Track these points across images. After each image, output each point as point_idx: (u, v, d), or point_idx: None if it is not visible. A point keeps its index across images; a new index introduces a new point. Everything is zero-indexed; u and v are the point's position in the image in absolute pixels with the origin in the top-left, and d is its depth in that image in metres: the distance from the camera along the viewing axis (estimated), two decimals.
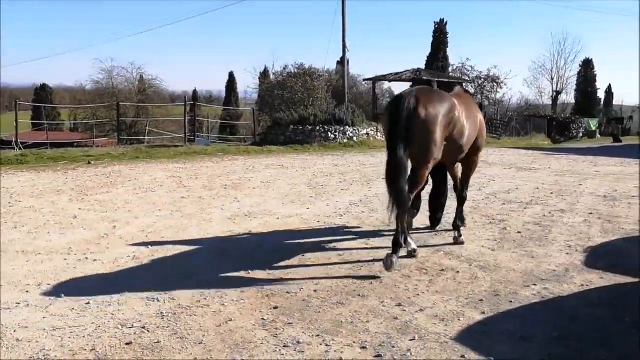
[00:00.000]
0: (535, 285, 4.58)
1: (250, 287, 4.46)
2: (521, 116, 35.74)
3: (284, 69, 27.36)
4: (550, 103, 49.15)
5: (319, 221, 7.03)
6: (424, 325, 3.74)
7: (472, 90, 34.10)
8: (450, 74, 34.07)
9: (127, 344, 3.40)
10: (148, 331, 3.59)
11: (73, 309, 3.96)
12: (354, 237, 6.22)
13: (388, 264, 4.71)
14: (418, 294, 4.35)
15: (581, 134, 33.78)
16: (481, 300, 4.22)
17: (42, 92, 57.78)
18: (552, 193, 9.52)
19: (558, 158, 17.50)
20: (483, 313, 3.96)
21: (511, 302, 4.19)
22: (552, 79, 50.44)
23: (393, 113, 4.89)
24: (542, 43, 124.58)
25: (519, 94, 68.07)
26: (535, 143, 26.86)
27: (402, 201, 4.79)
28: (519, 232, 6.47)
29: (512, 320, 3.82)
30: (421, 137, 4.86)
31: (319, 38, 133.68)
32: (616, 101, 61.18)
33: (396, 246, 4.92)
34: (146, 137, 25.84)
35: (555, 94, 49.84)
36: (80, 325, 3.66)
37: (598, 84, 54.50)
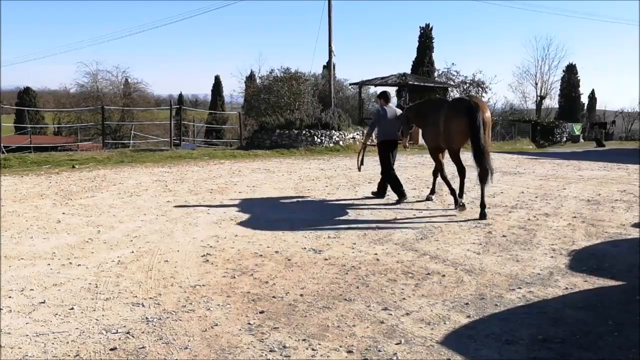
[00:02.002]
0: (520, 288, 4.62)
1: (236, 292, 4.45)
2: (506, 121, 35.98)
3: (270, 73, 27.31)
4: (535, 108, 49.60)
5: (305, 225, 7.02)
6: (410, 329, 3.75)
7: (457, 95, 34.43)
8: (436, 78, 34.27)
9: (111, 349, 3.37)
10: (133, 336, 3.56)
11: (57, 314, 3.91)
12: (339, 240, 6.22)
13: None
14: (404, 298, 4.36)
15: (565, 139, 34.12)
16: (467, 303, 4.24)
17: (26, 96, 57.02)
18: (536, 197, 9.61)
19: (542, 162, 17.66)
20: (469, 316, 3.98)
21: (496, 305, 4.22)
22: (536, 84, 50.92)
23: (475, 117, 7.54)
24: (526, 48, 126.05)
25: (504, 98, 68.65)
26: (520, 147, 27.10)
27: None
28: (504, 236, 6.52)
29: (498, 324, 3.85)
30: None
31: (305, 42, 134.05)
32: (599, 106, 61.98)
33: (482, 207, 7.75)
34: (131, 141, 25.63)
35: (539, 98, 50.31)
36: (64, 331, 3.62)
37: (581, 89, 55.24)
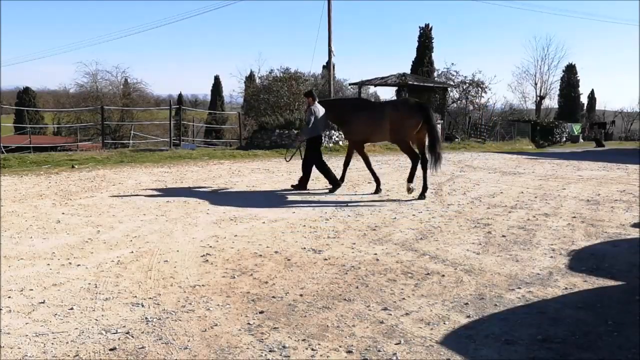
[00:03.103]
0: (519, 288, 4.62)
1: (236, 292, 4.45)
2: (505, 121, 35.97)
3: (270, 73, 27.35)
4: (534, 108, 49.62)
5: (304, 225, 7.02)
6: (409, 329, 3.75)
7: (457, 95, 34.42)
8: (436, 78, 34.28)
9: (111, 349, 3.37)
10: (132, 337, 3.56)
11: (56, 314, 3.91)
12: (339, 240, 6.22)
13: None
14: (404, 298, 4.36)
15: (564, 139, 34.10)
16: (466, 303, 4.24)
17: (25, 96, 57.05)
18: (536, 197, 9.61)
19: (542, 162, 17.67)
20: (468, 316, 3.98)
21: (496, 305, 4.22)
22: (536, 84, 50.94)
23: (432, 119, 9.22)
24: (526, 48, 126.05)
25: (503, 98, 68.83)
26: (519, 147, 27.09)
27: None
28: (503, 236, 6.53)
29: (497, 324, 3.85)
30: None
31: (305, 42, 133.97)
32: (599, 106, 62.10)
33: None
34: (131, 141, 25.63)
35: (539, 98, 50.31)
36: (63, 331, 3.62)
37: (581, 89, 55.30)
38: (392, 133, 9.47)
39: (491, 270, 5.12)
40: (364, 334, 3.65)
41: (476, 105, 35.21)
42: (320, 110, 9.91)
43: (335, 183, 10.00)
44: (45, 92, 59.92)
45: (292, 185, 10.31)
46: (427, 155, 9.39)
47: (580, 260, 5.49)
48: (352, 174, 12.82)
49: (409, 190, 9.34)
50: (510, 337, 3.61)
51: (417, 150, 9.45)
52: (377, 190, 9.82)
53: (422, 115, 9.15)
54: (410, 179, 9.39)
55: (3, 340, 3.47)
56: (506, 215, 7.84)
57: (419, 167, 9.42)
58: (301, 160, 10.29)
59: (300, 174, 10.31)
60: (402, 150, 9.62)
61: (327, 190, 9.94)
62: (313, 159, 10.05)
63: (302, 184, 10.09)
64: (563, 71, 53.42)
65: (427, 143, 9.48)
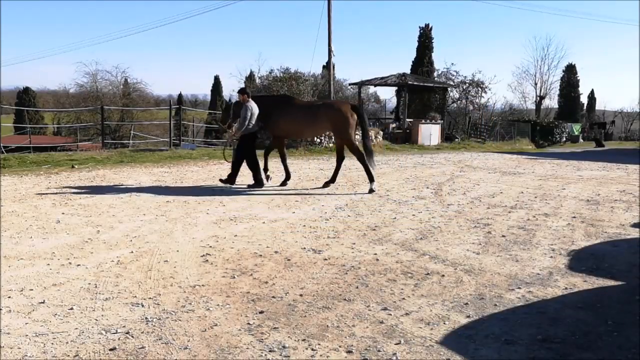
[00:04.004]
0: (519, 288, 4.62)
1: (236, 292, 4.45)
2: (505, 121, 35.96)
3: (270, 73, 27.30)
4: (534, 108, 49.64)
5: (304, 225, 7.02)
6: (409, 329, 3.75)
7: (457, 95, 34.42)
8: (436, 78, 34.27)
9: (111, 349, 3.37)
10: (132, 337, 3.56)
11: (56, 314, 3.91)
12: (339, 240, 6.22)
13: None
14: (404, 298, 4.36)
15: (564, 139, 34.10)
16: (466, 303, 4.24)
17: (25, 96, 57.05)
18: (536, 197, 9.61)
19: (542, 162, 17.68)
20: (468, 316, 3.98)
21: (496, 305, 4.22)
22: (536, 84, 50.96)
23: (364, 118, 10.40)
24: (526, 48, 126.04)
25: (503, 98, 68.72)
26: (519, 147, 27.10)
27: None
28: (503, 236, 6.53)
29: (497, 324, 3.85)
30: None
31: (305, 42, 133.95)
32: (599, 106, 62.11)
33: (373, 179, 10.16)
34: (131, 141, 25.62)
35: (538, 98, 50.34)
36: (63, 331, 3.62)
37: (581, 89, 55.31)
38: (337, 133, 10.41)
39: (491, 270, 5.12)
40: (364, 334, 3.65)
41: (476, 105, 35.20)
42: (255, 107, 10.22)
43: (259, 184, 10.34)
44: (45, 92, 59.90)
45: (220, 180, 10.56)
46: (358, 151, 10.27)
47: (580, 260, 5.49)
48: (352, 174, 12.84)
49: (371, 191, 9.88)
50: (510, 337, 3.61)
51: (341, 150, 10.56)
52: (284, 183, 10.67)
53: (357, 114, 10.24)
54: (370, 178, 10.08)
55: (3, 340, 3.47)
56: (506, 215, 7.84)
57: (355, 164, 10.45)
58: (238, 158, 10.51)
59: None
60: (347, 146, 10.33)
61: (287, 188, 10.28)
62: (246, 155, 10.36)
63: (258, 182, 10.38)
64: (563, 71, 53.45)
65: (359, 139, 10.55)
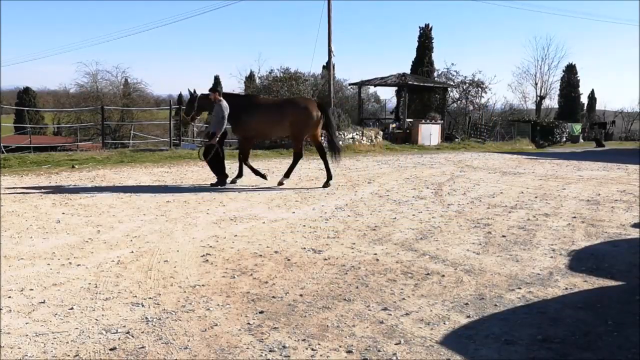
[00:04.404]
0: (519, 288, 4.62)
1: (236, 292, 4.45)
2: (505, 121, 35.97)
3: (270, 73, 27.36)
4: (534, 108, 49.64)
5: (304, 225, 7.02)
6: (409, 329, 3.75)
7: (457, 95, 34.43)
8: (436, 78, 34.27)
9: (111, 349, 3.37)
10: (132, 336, 3.56)
11: (56, 314, 3.91)
12: (339, 240, 6.23)
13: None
14: (404, 298, 4.36)
15: (565, 139, 34.08)
16: (466, 303, 4.25)
17: (25, 96, 57.04)
18: (536, 197, 9.61)
19: (542, 162, 17.68)
20: (468, 317, 3.98)
21: (496, 305, 4.22)
22: (536, 84, 50.99)
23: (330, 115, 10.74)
24: (526, 48, 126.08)
25: (503, 98, 68.81)
26: (520, 147, 27.10)
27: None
28: (503, 236, 6.53)
29: (497, 324, 3.85)
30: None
31: (305, 42, 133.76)
32: (599, 106, 62.04)
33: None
34: (131, 141, 25.62)
35: (539, 98, 50.36)
36: (63, 331, 3.62)
37: (581, 89, 55.30)
38: (293, 129, 10.48)
39: (491, 271, 5.12)
40: (364, 334, 3.65)
41: (476, 105, 35.21)
42: (227, 106, 10.18)
43: (221, 182, 10.33)
44: (45, 92, 59.93)
45: (211, 184, 10.45)
46: (326, 148, 10.83)
47: (581, 261, 5.49)
48: (352, 174, 12.85)
49: (280, 184, 10.42)
50: (510, 337, 3.61)
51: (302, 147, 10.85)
52: (234, 180, 10.79)
53: (322, 112, 10.49)
54: (329, 176, 10.56)
55: (3, 340, 3.47)
56: (506, 215, 7.84)
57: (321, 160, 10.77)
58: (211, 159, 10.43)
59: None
60: (295, 144, 10.73)
61: (272, 186, 10.40)
62: (221, 152, 10.40)
63: (221, 179, 10.41)
64: (563, 71, 53.45)
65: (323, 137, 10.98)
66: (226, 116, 10.09)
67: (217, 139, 10.25)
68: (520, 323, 3.87)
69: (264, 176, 10.87)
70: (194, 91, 10.91)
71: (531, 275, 4.99)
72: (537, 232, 6.79)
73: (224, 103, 10.17)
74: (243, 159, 10.95)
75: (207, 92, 10.73)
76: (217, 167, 10.41)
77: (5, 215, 7.32)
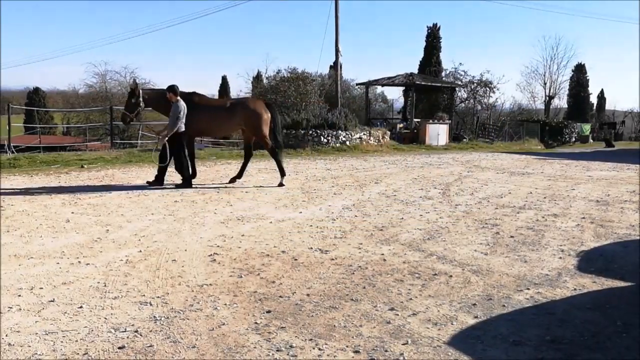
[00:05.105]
0: (528, 289, 4.60)
1: (243, 291, 4.46)
2: (514, 121, 35.83)
3: (277, 73, 27.40)
4: (543, 108, 49.39)
5: (311, 225, 7.03)
6: (416, 329, 3.75)
7: (465, 95, 34.33)
8: (443, 78, 34.19)
9: (119, 348, 3.39)
10: (141, 335, 3.58)
11: (66, 312, 3.94)
12: (346, 240, 6.23)
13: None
14: (411, 298, 4.36)
15: (574, 139, 33.90)
16: (474, 304, 4.24)
17: (35, 96, 57.52)
18: (545, 197, 9.57)
19: (551, 162, 17.59)
20: (476, 317, 3.97)
21: (504, 306, 4.21)
22: (545, 83, 50.71)
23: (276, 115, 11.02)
24: (535, 48, 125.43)
25: (512, 98, 68.43)
26: (528, 147, 26.98)
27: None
28: (511, 237, 6.50)
29: (505, 324, 3.84)
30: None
31: (312, 42, 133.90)
32: (608, 106, 61.71)
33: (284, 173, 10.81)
34: (139, 141, 25.73)
35: (548, 98, 50.10)
36: (72, 330, 3.64)
37: (590, 89, 54.97)
38: (251, 130, 10.74)
39: (499, 271, 5.11)
40: (371, 334, 3.65)
41: (484, 105, 35.10)
42: (185, 106, 9.97)
43: (186, 183, 10.09)
44: (54, 92, 60.29)
45: (175, 185, 10.15)
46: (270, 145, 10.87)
47: (590, 261, 5.46)
48: (360, 174, 12.84)
49: (281, 185, 10.51)
50: (518, 338, 3.60)
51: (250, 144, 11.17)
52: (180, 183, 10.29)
53: (270, 112, 10.82)
54: (282, 173, 10.74)
55: (13, 338, 3.50)
56: (514, 216, 7.81)
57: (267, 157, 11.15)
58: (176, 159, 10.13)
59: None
60: (264, 144, 10.91)
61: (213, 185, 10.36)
62: (177, 151, 10.02)
63: (186, 181, 10.13)
64: (572, 71, 53.15)
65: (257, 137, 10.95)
66: (181, 116, 9.82)
67: (167, 138, 9.88)
68: (529, 324, 3.86)
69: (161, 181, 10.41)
70: (135, 84, 10.52)
71: (539, 276, 4.96)
72: (545, 232, 6.76)
73: (182, 103, 9.89)
74: (192, 155, 10.74)
75: (148, 87, 10.60)
76: (182, 168, 10.11)
77: (16, 214, 7.38)
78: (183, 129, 9.98)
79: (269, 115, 10.80)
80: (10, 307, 4.02)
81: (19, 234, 6.27)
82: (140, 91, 10.33)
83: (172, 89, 10.10)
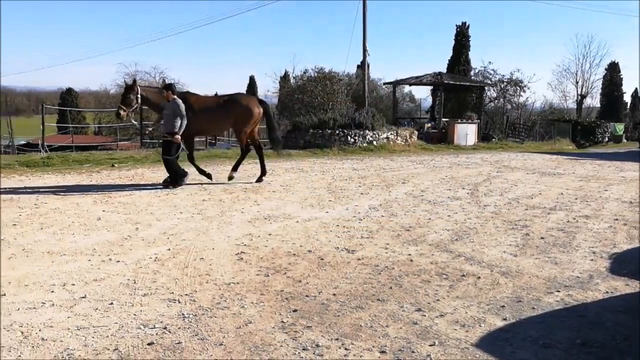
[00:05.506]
0: (558, 291, 4.52)
1: (270, 290, 4.48)
2: (545, 120, 35.24)
3: (304, 73, 27.39)
4: (575, 107, 48.41)
5: (338, 225, 7.03)
6: (444, 330, 3.72)
7: (494, 94, 33.90)
8: (472, 77, 33.80)
9: (149, 344, 3.44)
10: (169, 332, 3.63)
11: (97, 309, 4.02)
12: (373, 240, 6.21)
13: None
14: (438, 299, 4.32)
15: (607, 139, 33.17)
16: (503, 306, 4.18)
17: (68, 96, 58.83)
18: (576, 198, 9.38)
19: (583, 163, 17.24)
20: (505, 319, 3.92)
21: (534, 308, 4.14)
22: (577, 82, 49.68)
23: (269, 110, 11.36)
24: (567, 46, 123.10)
25: (543, 97, 67.33)
26: (560, 147, 26.47)
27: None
28: (542, 238, 6.39)
29: (535, 327, 3.78)
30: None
31: (339, 42, 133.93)
32: None
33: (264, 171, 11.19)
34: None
35: (580, 97, 49.09)
36: (103, 325, 3.72)
37: (624, 88, 53.66)
38: (236, 124, 10.85)
39: (529, 273, 5.03)
40: (398, 335, 3.64)
41: (514, 105, 34.57)
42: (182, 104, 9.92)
43: (174, 183, 10.02)
44: (86, 92, 61.65)
45: (165, 185, 10.07)
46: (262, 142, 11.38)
47: (622, 264, 5.34)
48: (387, 174, 12.78)
49: (230, 178, 10.86)
50: (548, 341, 3.54)
51: (250, 142, 11.16)
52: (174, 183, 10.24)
53: (263, 109, 10.95)
54: (263, 171, 11.06)
55: (47, 333, 3.59)
56: (545, 217, 7.67)
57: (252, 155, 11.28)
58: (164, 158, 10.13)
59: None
60: (240, 140, 11.19)
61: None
62: (169, 152, 9.99)
63: (174, 181, 10.07)
64: (605, 69, 51.92)
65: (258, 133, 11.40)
66: (184, 114, 9.80)
67: (180, 137, 9.88)
68: (559, 326, 3.79)
69: (209, 175, 10.78)
70: (133, 80, 10.40)
71: (570, 278, 4.87)
72: (577, 234, 6.63)
73: (179, 101, 9.83)
74: (189, 158, 10.83)
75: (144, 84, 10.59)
76: (173, 167, 10.07)
77: (49, 212, 7.56)
78: (177, 128, 9.87)
79: (261, 110, 10.87)
80: (44, 303, 4.12)
81: (52, 232, 6.42)
82: (139, 88, 10.23)
83: (171, 87, 10.16)
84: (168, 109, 9.88)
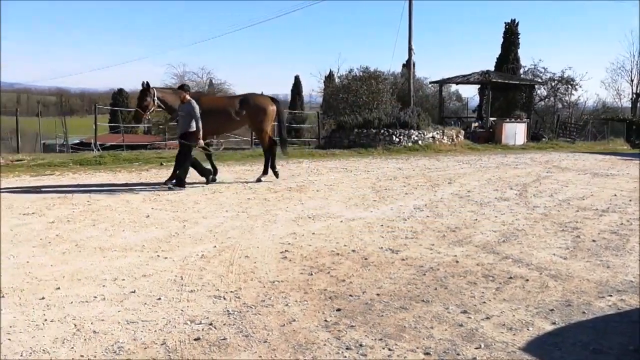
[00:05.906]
0: (610, 296, 4.36)
1: (313, 289, 4.50)
2: (597, 119, 34.06)
3: (349, 72, 27.39)
4: (630, 106, 46.54)
5: (382, 225, 6.99)
6: (490, 333, 3.64)
7: (545, 92, 32.97)
8: (522, 75, 32.98)
9: (195, 339, 3.52)
10: (215, 328, 3.70)
11: (145, 303, 4.13)
12: (417, 241, 6.14)
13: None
14: (484, 302, 4.24)
15: None
16: (552, 310, 4.07)
17: (119, 97, 60.81)
18: (630, 200, 9.03)
19: (637, 163, 16.57)
20: (554, 323, 3.81)
21: (584, 313, 4.01)
22: (632, 80, 47.60)
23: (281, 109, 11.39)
24: (622, 43, 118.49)
25: (596, 96, 65.09)
26: (613, 148, 25.52)
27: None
28: (593, 241, 6.19)
29: (585, 332, 3.66)
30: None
31: (384, 41, 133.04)
32: None
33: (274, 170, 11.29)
34: (214, 140, 26.54)
35: (635, 96, 47.12)
36: (152, 320, 3.82)
37: None
38: (254, 124, 11.04)
39: (579, 276, 4.87)
40: (443, 337, 3.59)
41: (565, 103, 33.55)
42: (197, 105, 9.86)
43: (179, 184, 9.85)
44: (137, 93, 63.36)
45: (168, 185, 9.90)
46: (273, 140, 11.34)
47: None
48: (432, 174, 12.63)
49: (259, 180, 10.91)
50: (599, 346, 3.42)
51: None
52: (210, 180, 10.58)
53: (276, 105, 11.06)
54: (265, 171, 11.19)
55: (98, 326, 3.71)
56: (597, 219, 7.42)
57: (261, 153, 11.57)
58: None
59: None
60: (262, 140, 11.20)
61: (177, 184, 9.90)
62: (180, 155, 9.96)
63: (178, 179, 9.92)
64: None
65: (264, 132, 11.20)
66: (199, 116, 9.73)
67: (200, 139, 9.84)
68: (611, 332, 3.66)
69: (212, 178, 10.67)
70: (147, 84, 10.21)
71: (623, 283, 4.69)
72: (630, 237, 6.38)
73: (194, 103, 9.78)
74: (207, 157, 11.00)
75: (160, 86, 10.62)
76: (182, 169, 9.94)
77: (101, 209, 7.81)
78: (194, 129, 9.78)
79: (274, 108, 10.96)
80: (95, 297, 4.26)
81: (104, 228, 6.64)
82: (154, 90, 10.23)
83: (184, 88, 10.21)
84: (183, 111, 9.83)
